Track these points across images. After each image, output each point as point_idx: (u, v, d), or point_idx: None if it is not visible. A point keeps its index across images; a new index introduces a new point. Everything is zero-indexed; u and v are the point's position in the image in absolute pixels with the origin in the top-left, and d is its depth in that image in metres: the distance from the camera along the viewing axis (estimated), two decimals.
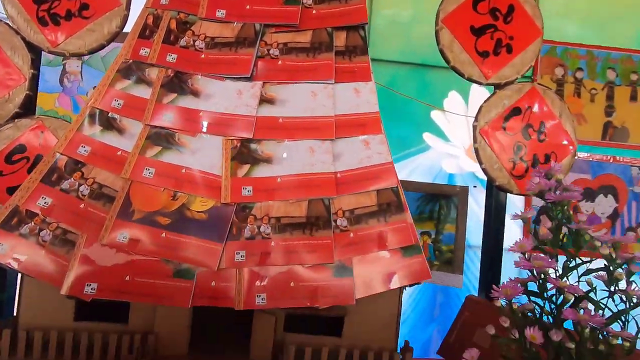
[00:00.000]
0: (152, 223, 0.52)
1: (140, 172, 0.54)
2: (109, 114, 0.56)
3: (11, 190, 0.75)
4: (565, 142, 0.82)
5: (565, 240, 0.33)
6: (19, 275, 0.80)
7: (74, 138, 0.54)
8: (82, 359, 0.48)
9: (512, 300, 0.31)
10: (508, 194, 0.88)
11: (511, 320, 0.32)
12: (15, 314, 0.51)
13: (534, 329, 0.30)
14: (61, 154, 0.54)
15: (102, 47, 0.75)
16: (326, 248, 0.53)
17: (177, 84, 0.58)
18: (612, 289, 0.31)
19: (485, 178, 0.89)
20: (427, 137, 1.58)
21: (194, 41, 0.60)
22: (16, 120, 0.75)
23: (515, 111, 0.79)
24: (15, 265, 0.49)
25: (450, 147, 1.60)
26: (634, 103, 1.60)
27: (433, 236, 1.38)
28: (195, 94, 0.59)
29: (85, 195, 0.53)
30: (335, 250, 0.53)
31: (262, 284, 0.51)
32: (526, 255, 0.32)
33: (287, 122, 0.58)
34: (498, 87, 0.81)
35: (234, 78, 0.59)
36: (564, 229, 0.33)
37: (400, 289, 0.53)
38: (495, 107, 0.80)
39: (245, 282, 0.51)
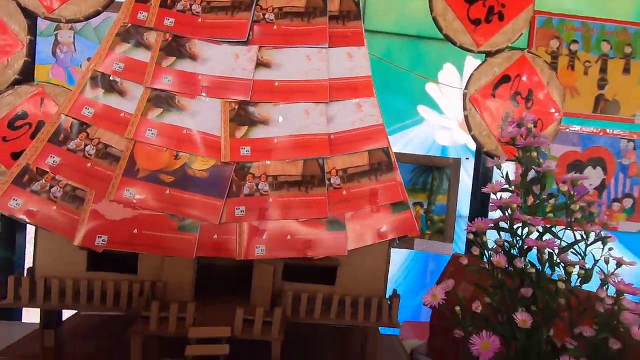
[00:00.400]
0: (156, 181, 0.55)
1: (143, 133, 0.56)
2: (110, 77, 0.58)
3: (15, 156, 0.77)
4: (552, 110, 0.86)
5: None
6: (27, 236, 0.85)
7: (77, 100, 0.57)
8: (96, 305, 0.52)
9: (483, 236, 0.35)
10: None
11: (481, 251, 0.36)
12: (31, 266, 0.55)
13: (500, 256, 0.34)
14: (66, 115, 0.56)
15: (97, 13, 0.76)
16: (320, 204, 0.57)
17: (176, 47, 0.60)
18: (571, 220, 0.35)
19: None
20: (422, 109, 1.60)
21: (191, 5, 0.61)
22: (16, 86, 0.77)
23: (505, 79, 0.82)
24: (29, 219, 0.52)
25: (444, 119, 1.63)
26: (626, 75, 1.62)
27: (425, 206, 1.43)
28: (193, 57, 0.61)
29: (91, 155, 0.55)
30: (328, 206, 0.57)
31: (260, 236, 0.55)
32: (497, 195, 0.36)
33: (283, 85, 0.61)
34: (489, 55, 0.83)
35: (231, 42, 0.61)
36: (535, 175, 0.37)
37: (389, 242, 0.58)
38: (485, 74, 0.82)
39: (245, 235, 0.55)
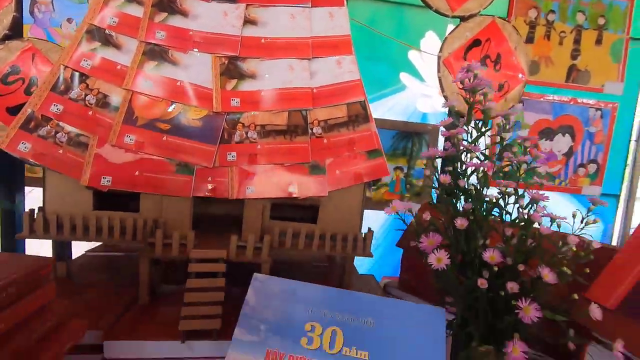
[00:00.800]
0: (154, 128, 0.61)
1: (139, 84, 0.62)
2: (106, 31, 0.63)
3: (11, 110, 0.81)
4: (517, 74, 0.94)
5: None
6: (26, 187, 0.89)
7: (75, 52, 0.61)
8: (104, 237, 0.60)
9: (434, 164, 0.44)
10: None
11: (431, 171, 0.45)
12: (41, 206, 0.61)
13: (446, 176, 0.43)
14: (66, 66, 0.61)
15: None
16: (303, 151, 0.64)
17: (167, 4, 0.65)
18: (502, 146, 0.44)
19: None
20: (404, 77, 1.67)
21: None
22: (7, 42, 0.79)
23: (476, 43, 0.89)
24: (38, 161, 0.58)
25: (424, 87, 1.69)
26: (598, 47, 1.70)
27: (405, 171, 1.54)
28: (184, 14, 0.65)
29: (92, 104, 0.61)
30: (311, 153, 0.64)
31: (250, 179, 0.62)
32: (446, 128, 0.45)
33: (269, 42, 0.66)
34: (463, 19, 0.90)
35: (219, 0, 0.66)
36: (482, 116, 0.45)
37: (365, 184, 0.66)
38: (458, 38, 0.89)
39: (236, 177, 0.62)
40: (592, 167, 1.79)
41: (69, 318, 0.38)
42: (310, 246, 0.64)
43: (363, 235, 0.67)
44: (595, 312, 0.37)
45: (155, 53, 0.63)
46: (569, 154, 1.78)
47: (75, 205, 0.60)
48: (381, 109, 1.65)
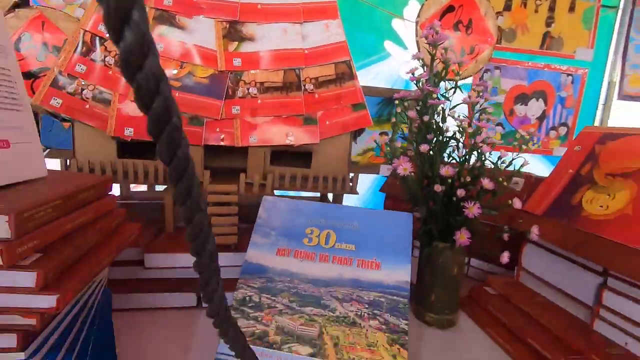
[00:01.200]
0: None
1: None
2: None
3: (25, 75, 0.89)
4: (487, 38, 1.05)
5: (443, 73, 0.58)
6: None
7: (93, 17, 0.70)
8: (130, 179, 0.71)
9: (405, 102, 0.56)
10: None
11: (402, 109, 0.57)
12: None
13: (413, 112, 0.55)
14: (85, 30, 0.69)
15: None
16: (298, 104, 0.75)
17: None
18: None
19: None
20: (388, 45, 1.76)
21: None
22: (16, 10, 0.86)
23: (450, 9, 1.00)
24: (68, 115, 0.68)
25: (408, 54, 1.80)
26: (571, 14, 1.82)
27: (390, 135, 1.67)
28: None
29: (111, 64, 0.70)
30: (304, 106, 0.75)
31: (253, 129, 0.74)
32: (414, 74, 0.57)
33: (264, 7, 0.76)
34: None
35: None
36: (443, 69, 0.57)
37: (350, 133, 0.78)
38: (434, 4, 1.00)
39: (240, 128, 0.73)
40: (562, 130, 1.94)
41: (126, 222, 0.50)
42: (305, 187, 0.76)
43: (350, 176, 0.80)
44: (517, 203, 0.51)
45: (164, 18, 0.73)
46: (542, 117, 1.93)
47: (102, 154, 0.71)
48: (366, 77, 1.75)
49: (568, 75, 1.90)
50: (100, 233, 0.43)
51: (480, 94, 0.57)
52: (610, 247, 0.46)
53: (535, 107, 1.91)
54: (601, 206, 0.50)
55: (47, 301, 0.28)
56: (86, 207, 0.42)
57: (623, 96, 2.03)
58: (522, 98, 1.87)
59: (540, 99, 1.91)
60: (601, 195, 0.52)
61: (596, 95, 1.99)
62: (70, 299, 0.30)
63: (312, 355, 0.44)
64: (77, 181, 0.43)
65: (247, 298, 0.49)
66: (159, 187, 1.03)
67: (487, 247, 0.65)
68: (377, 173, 1.48)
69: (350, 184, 0.79)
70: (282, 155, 0.78)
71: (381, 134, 1.70)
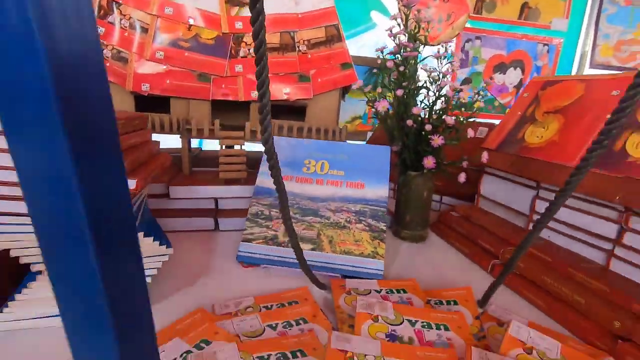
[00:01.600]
0: (177, 46, 0.82)
1: (163, 9, 0.81)
2: None
3: None
4: (462, 6, 1.17)
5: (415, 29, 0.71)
6: None
7: None
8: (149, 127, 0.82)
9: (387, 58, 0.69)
10: None
11: (381, 61, 0.71)
12: None
13: (391, 62, 0.68)
14: None
15: None
16: (293, 63, 0.87)
17: None
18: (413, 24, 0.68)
19: None
20: (374, 15, 1.86)
21: None
22: None
23: None
24: None
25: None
26: None
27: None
28: None
29: (126, 27, 0.80)
30: (298, 65, 0.87)
31: (254, 85, 0.85)
32: (392, 31, 0.70)
33: None
34: None
35: None
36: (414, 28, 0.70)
37: (340, 89, 0.91)
38: None
39: (243, 84, 0.85)
40: None
41: (161, 152, 0.63)
42: (300, 137, 0.89)
43: (340, 128, 0.93)
44: (484, 155, 0.65)
45: None
46: (519, 86, 2.07)
47: (122, 107, 0.82)
48: (354, 47, 1.85)
49: (544, 45, 2.03)
50: (149, 154, 0.55)
51: (450, 60, 0.70)
52: (541, 166, 0.61)
53: (513, 76, 2.04)
54: (537, 137, 0.65)
55: (131, 183, 0.41)
56: (136, 131, 0.54)
57: (595, 65, 2.18)
58: (501, 67, 2.00)
59: (518, 68, 2.04)
60: (538, 128, 0.66)
61: (570, 64, 2.14)
62: (143, 186, 0.43)
63: (312, 249, 0.58)
64: (126, 113, 0.55)
65: (259, 212, 0.63)
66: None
67: (455, 187, 0.80)
68: (364, 140, 1.61)
69: (340, 134, 0.92)
70: (280, 109, 0.90)
71: (368, 102, 1.82)
